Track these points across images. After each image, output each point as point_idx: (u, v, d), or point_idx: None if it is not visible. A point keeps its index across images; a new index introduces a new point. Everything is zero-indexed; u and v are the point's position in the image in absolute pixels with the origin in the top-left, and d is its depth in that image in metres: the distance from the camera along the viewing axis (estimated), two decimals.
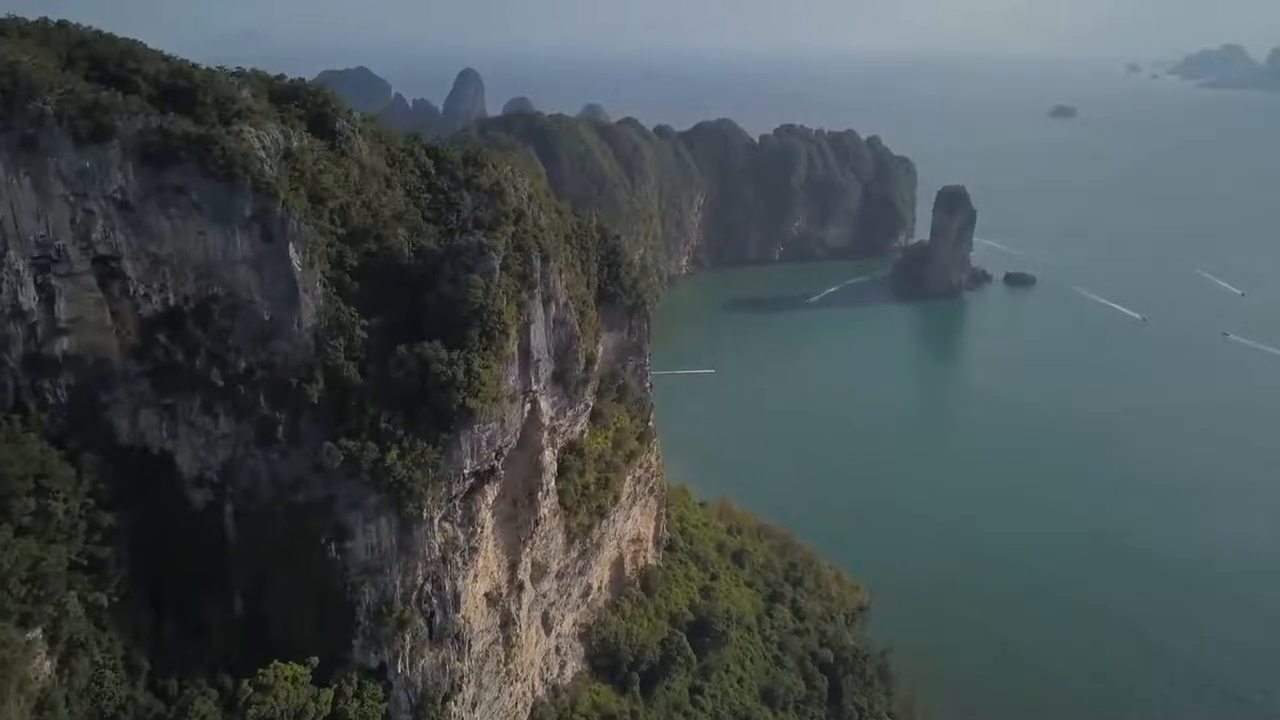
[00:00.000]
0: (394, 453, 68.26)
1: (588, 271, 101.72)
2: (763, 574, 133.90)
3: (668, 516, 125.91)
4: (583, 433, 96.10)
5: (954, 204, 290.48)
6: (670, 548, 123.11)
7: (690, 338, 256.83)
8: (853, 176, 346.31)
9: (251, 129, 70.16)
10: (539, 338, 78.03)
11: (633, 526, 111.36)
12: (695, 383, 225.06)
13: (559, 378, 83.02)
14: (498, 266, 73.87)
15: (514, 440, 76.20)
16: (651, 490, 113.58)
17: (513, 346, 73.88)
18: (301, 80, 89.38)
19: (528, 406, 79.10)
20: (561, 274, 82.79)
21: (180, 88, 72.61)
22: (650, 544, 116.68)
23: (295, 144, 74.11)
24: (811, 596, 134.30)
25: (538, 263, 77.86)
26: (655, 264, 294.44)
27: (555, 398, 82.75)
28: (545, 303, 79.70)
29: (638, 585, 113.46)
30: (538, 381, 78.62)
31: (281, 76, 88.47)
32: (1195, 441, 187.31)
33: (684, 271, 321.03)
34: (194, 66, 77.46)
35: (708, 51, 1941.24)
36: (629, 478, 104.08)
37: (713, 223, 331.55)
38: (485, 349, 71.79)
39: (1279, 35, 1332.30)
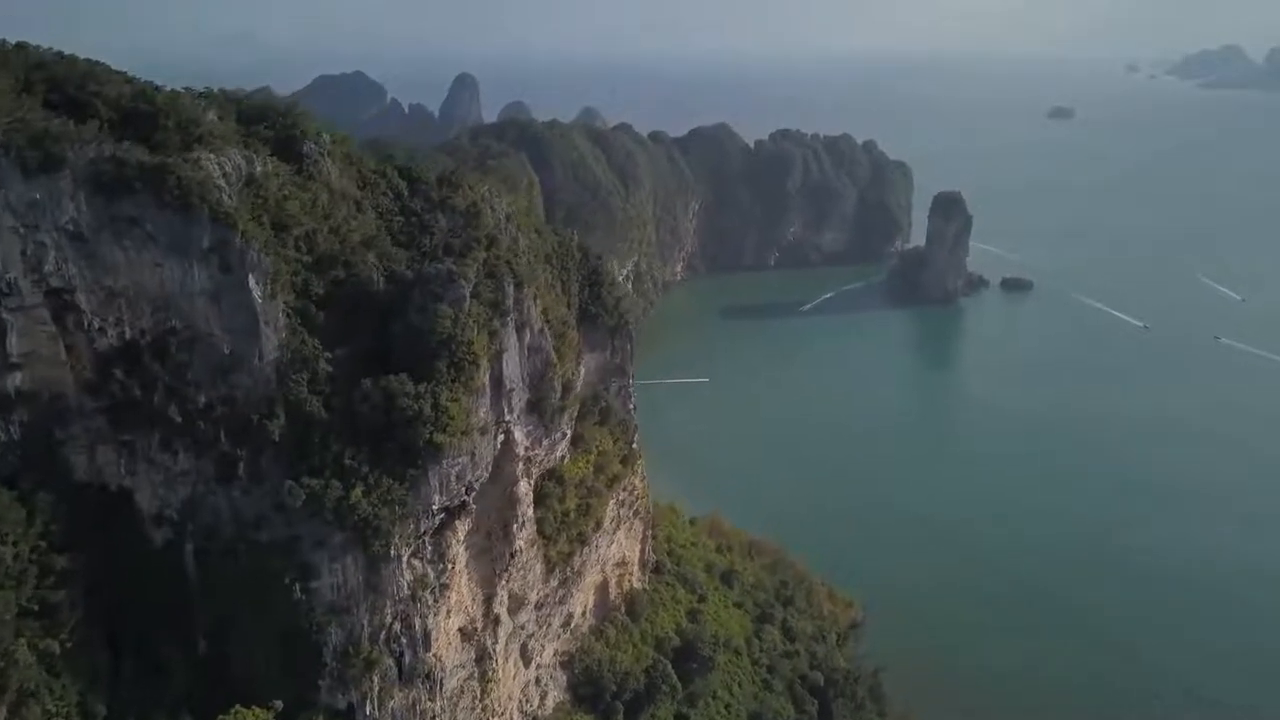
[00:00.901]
0: (359, 490, 66.05)
1: (568, 292, 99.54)
2: (752, 594, 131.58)
3: (654, 538, 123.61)
4: (563, 458, 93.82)
5: (949, 210, 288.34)
6: (657, 570, 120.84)
7: (684, 345, 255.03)
8: (848, 181, 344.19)
9: (212, 155, 67.96)
10: (512, 366, 75.80)
11: (617, 550, 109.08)
12: (689, 391, 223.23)
13: (534, 407, 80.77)
14: (468, 295, 71.63)
15: (485, 474, 73.97)
16: (636, 513, 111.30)
17: (483, 377, 71.64)
18: (271, 98, 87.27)
19: (501, 437, 76.88)
20: (537, 299, 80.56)
21: (142, 111, 70.53)
22: (636, 567, 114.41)
23: (259, 169, 71.91)
24: (802, 616, 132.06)
25: (510, 289, 75.60)
26: (649, 271, 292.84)
27: (530, 427, 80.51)
28: (519, 330, 77.45)
29: (623, 610, 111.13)
30: (511, 412, 76.40)
31: (251, 95, 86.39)
32: (1195, 449, 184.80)
33: (679, 277, 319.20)
34: (156, 89, 75.41)
35: (706, 53, 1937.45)
36: (612, 502, 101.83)
37: (708, 228, 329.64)
38: (454, 381, 69.54)
39: (1277, 35, 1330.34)
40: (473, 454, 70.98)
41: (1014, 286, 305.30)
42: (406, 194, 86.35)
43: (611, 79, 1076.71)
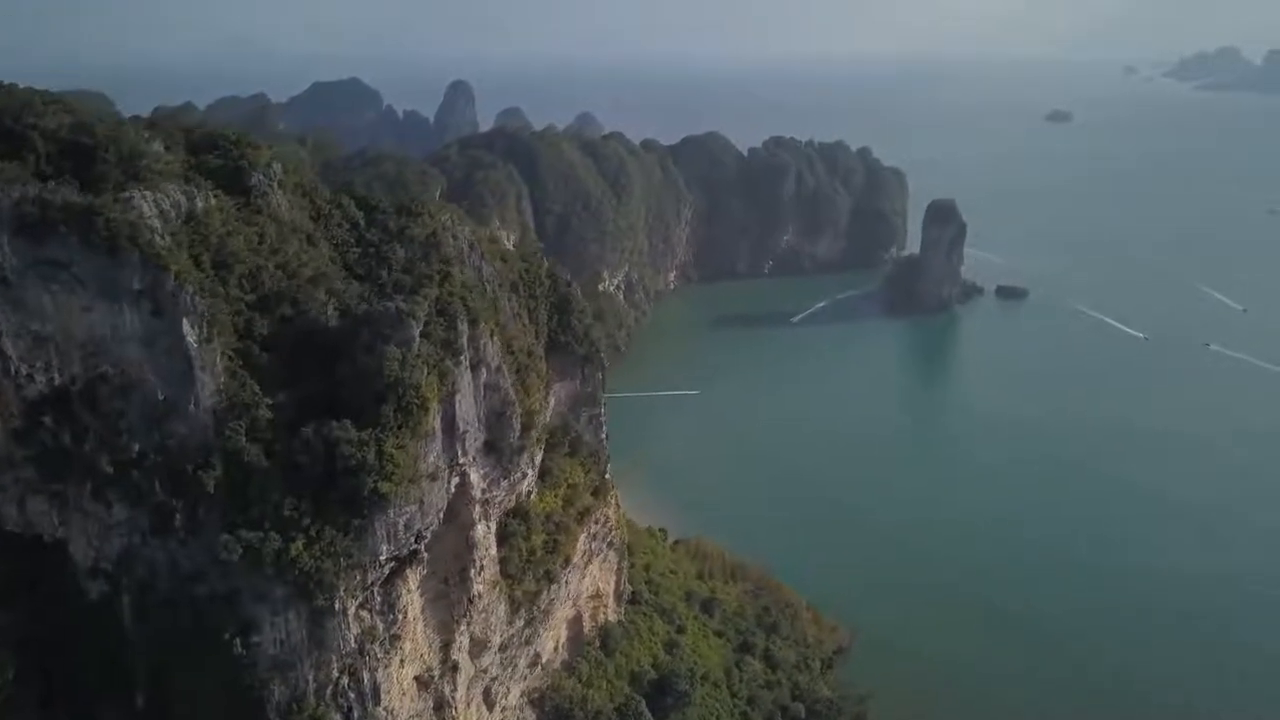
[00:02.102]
0: (300, 542, 63.16)
1: (536, 320, 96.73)
2: (734, 622, 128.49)
3: (632, 566, 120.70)
4: (529, 494, 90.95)
5: (944, 217, 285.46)
6: (634, 600, 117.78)
7: (675, 356, 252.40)
8: (843, 189, 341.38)
9: (147, 193, 65.20)
10: (466, 407, 72.90)
11: (590, 583, 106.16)
12: (679, 404, 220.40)
13: (491, 447, 77.87)
14: (417, 335, 68.77)
15: (437, 520, 71.08)
16: (610, 544, 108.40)
17: (433, 421, 68.75)
18: (222, 127, 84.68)
19: (456, 480, 74.01)
20: (494, 335, 77.65)
21: (82, 144, 67.98)
22: (611, 599, 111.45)
23: (200, 205, 69.14)
24: (786, 643, 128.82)
25: (464, 327, 72.66)
26: (641, 280, 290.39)
27: (487, 469, 77.63)
28: (474, 368, 74.58)
29: (597, 644, 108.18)
30: (465, 454, 73.51)
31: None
32: (1195, 465, 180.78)
33: (671, 286, 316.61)
34: (98, 120, 72.83)
35: (706, 57, 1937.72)
36: (583, 536, 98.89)
37: (701, 237, 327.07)
38: (401, 426, 66.65)
39: (1275, 37, 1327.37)
40: (421, 502, 68.10)
41: (1009, 294, 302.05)
42: (363, 224, 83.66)
43: (611, 84, 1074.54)
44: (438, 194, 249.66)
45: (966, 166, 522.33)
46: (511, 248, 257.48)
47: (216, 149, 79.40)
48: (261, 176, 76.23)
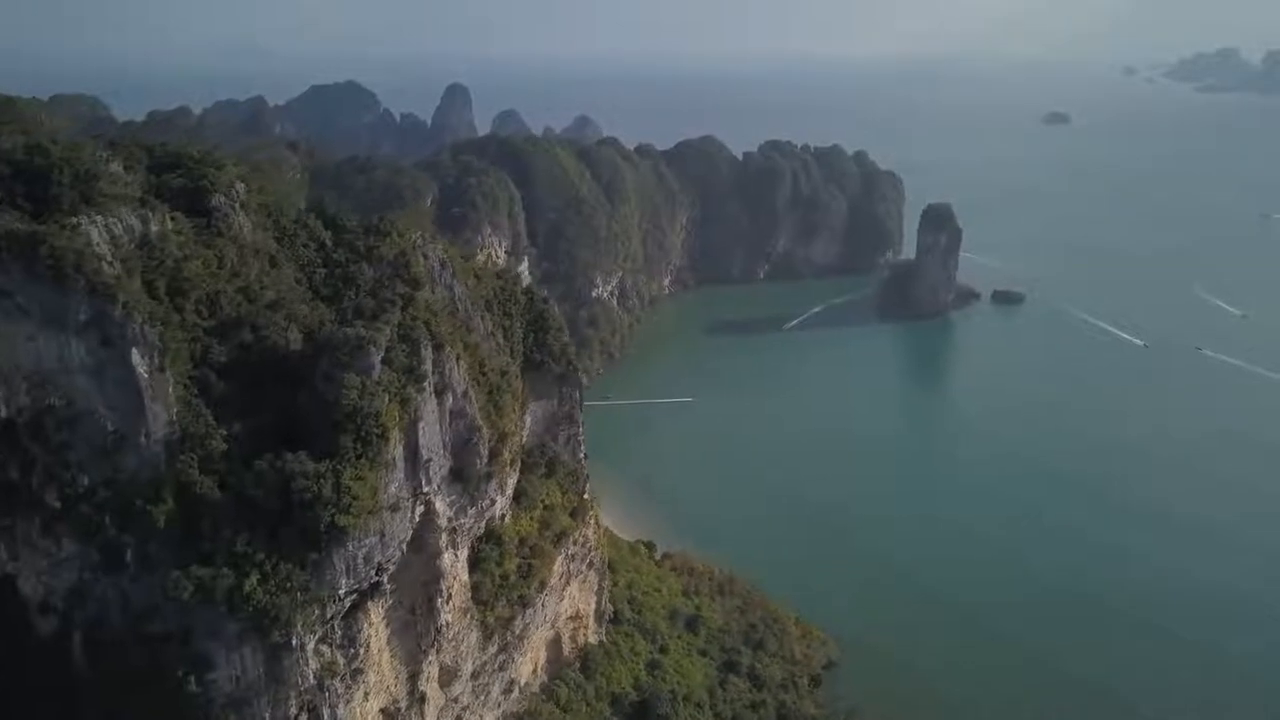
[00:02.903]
0: (254, 578, 61.42)
1: (511, 339, 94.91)
2: (719, 639, 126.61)
3: (615, 585, 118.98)
4: (503, 517, 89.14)
5: (939, 222, 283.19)
6: (615, 620, 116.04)
7: (669, 363, 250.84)
8: (838, 193, 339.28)
9: (99, 218, 63.50)
10: (430, 435, 71.08)
11: (570, 605, 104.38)
12: (673, 411, 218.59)
13: (458, 474, 76.00)
14: (377, 363, 66.98)
15: (398, 552, 69.28)
16: (591, 564, 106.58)
17: (394, 451, 66.95)
18: (185, 146, 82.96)
19: (420, 509, 72.20)
20: (460, 359, 75.82)
21: (36, 166, 66.26)
22: (591, 620, 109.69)
23: (155, 229, 67.41)
24: (772, 660, 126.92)
25: (428, 353, 70.84)
26: (635, 286, 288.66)
27: (454, 497, 75.78)
28: (439, 394, 72.74)
29: (577, 666, 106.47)
30: (429, 483, 71.69)
31: (164, 144, 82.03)
32: (1191, 478, 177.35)
33: (667, 292, 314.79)
34: (54, 141, 71.06)
35: (706, 59, 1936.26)
36: (560, 558, 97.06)
37: (696, 242, 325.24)
38: (360, 456, 64.87)
39: (1274, 38, 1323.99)
40: (382, 534, 66.32)
41: (1005, 299, 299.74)
42: (330, 244, 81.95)
43: (610, 87, 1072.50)
44: (429, 201, 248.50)
45: (964, 169, 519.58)
46: (503, 254, 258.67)
47: (179, 168, 77.82)
48: (223, 197, 74.52)
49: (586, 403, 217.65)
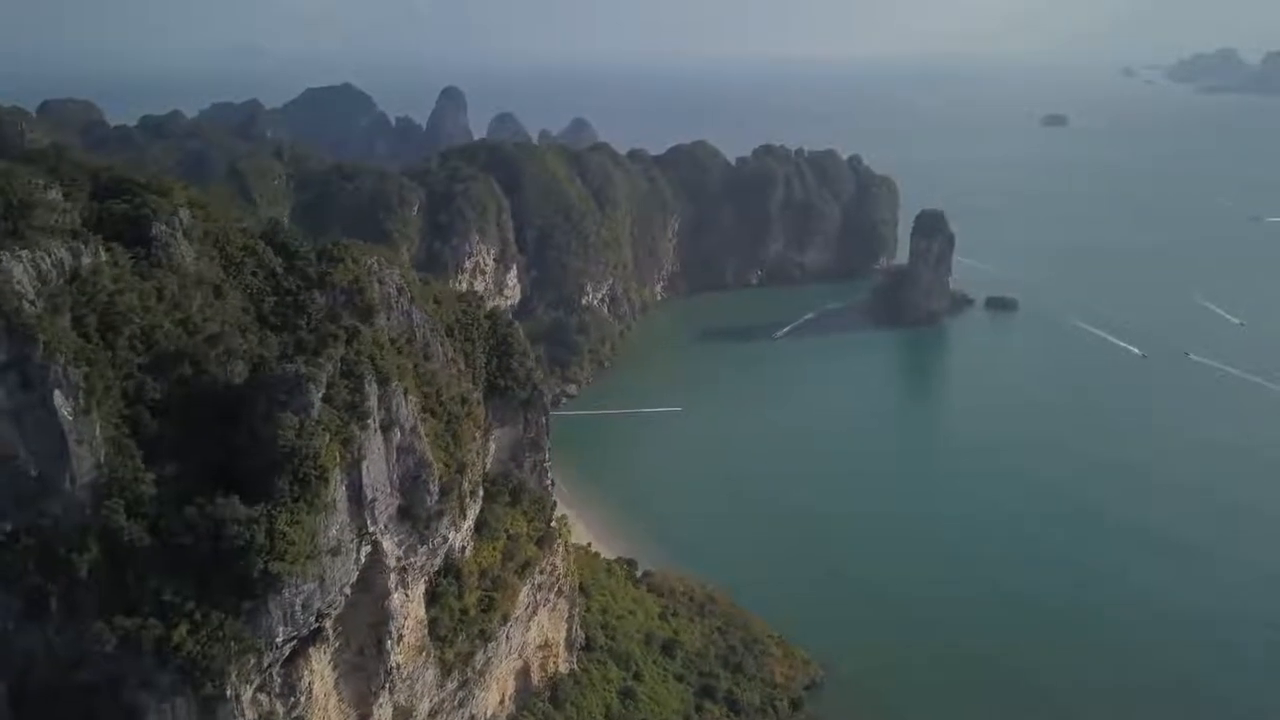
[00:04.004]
0: (183, 628, 58.96)
1: (474, 365, 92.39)
2: (696, 664, 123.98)
3: (588, 610, 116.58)
4: (464, 549, 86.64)
5: (931, 229, 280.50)
6: (587, 647, 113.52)
7: (658, 371, 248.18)
8: (832, 198, 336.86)
9: (24, 253, 60.98)
10: (376, 473, 68.56)
11: (538, 634, 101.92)
12: (660, 422, 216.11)
13: (406, 513, 73.48)
14: (317, 401, 64.46)
15: (340, 598, 66.76)
16: (560, 592, 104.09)
17: (335, 492, 64.44)
18: (133, 169, 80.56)
19: (367, 549, 69.70)
20: (409, 394, 73.30)
21: None
22: (562, 648, 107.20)
23: (87, 261, 64.99)
24: (751, 684, 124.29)
25: (372, 388, 68.31)
26: (626, 293, 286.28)
27: (403, 535, 73.28)
28: (386, 430, 70.23)
29: (546, 696, 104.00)
30: (375, 523, 69.17)
31: (109, 167, 79.52)
32: (1193, 500, 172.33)
33: (659, 298, 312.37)
34: None
35: (706, 60, 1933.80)
36: (525, 589, 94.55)
37: (689, 248, 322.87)
38: (297, 500, 62.37)
39: (1273, 38, 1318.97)
40: (322, 579, 63.77)
41: (999, 306, 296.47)
42: (280, 271, 79.45)
43: (608, 89, 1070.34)
44: (416, 208, 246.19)
45: (960, 172, 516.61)
46: (491, 262, 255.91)
47: (124, 194, 75.41)
48: (164, 226, 72.02)
49: (574, 411, 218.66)
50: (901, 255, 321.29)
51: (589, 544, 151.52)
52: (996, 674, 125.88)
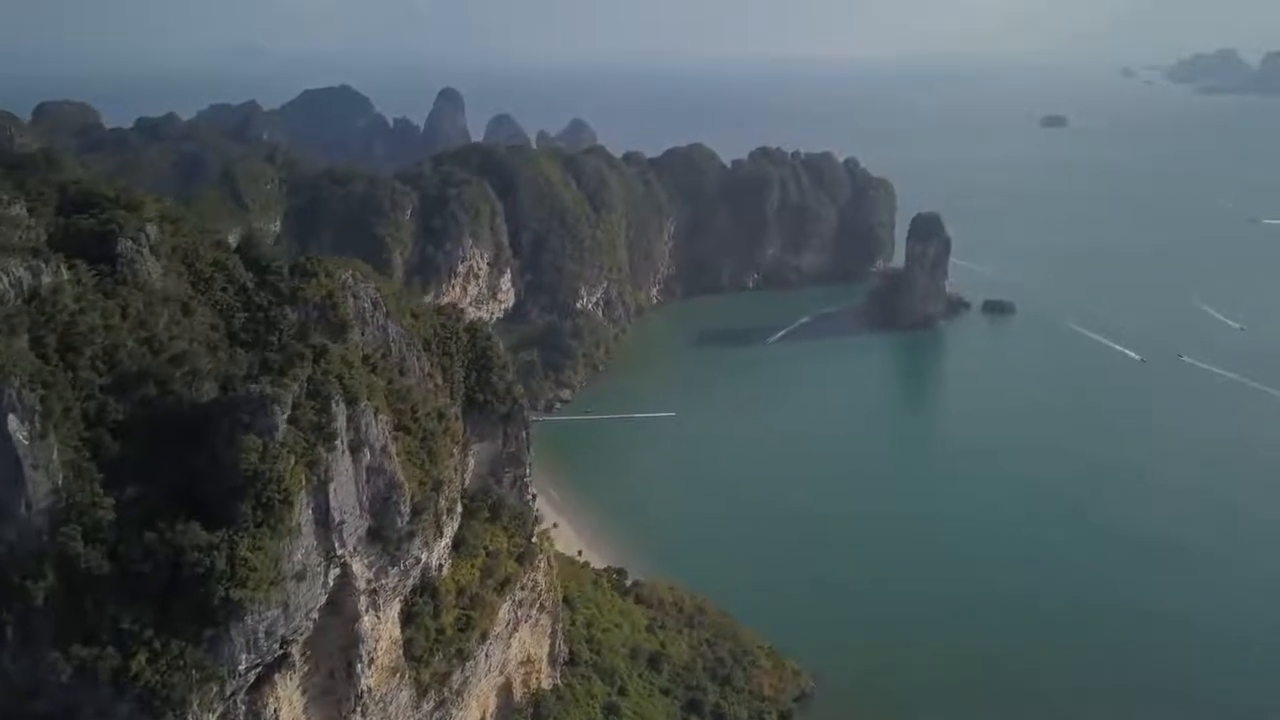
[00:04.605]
0: (142, 657, 57.63)
1: (452, 379, 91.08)
2: (683, 677, 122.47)
3: (573, 624, 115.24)
4: (440, 568, 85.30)
5: (927, 232, 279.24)
6: (571, 662, 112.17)
7: (652, 375, 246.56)
8: (828, 201, 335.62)
9: None
10: (343, 495, 67.19)
11: (520, 650, 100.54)
12: (653, 427, 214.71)
13: (376, 535, 72.14)
14: (281, 423, 63.10)
15: (307, 623, 65.44)
16: (542, 608, 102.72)
17: (300, 516, 63.08)
18: (104, 182, 79.35)
19: (336, 572, 68.38)
20: (379, 413, 71.95)
21: None
22: (544, 663, 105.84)
23: (48, 279, 63.73)
24: (739, 697, 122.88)
25: (340, 409, 66.94)
26: (620, 296, 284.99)
27: (373, 557, 71.93)
28: (355, 451, 68.86)
29: (529, 713, 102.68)
30: (344, 545, 67.83)
31: (78, 181, 78.40)
32: (1194, 506, 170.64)
33: (655, 301, 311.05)
34: None
35: (706, 61, 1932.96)
36: (505, 606, 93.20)
37: (684, 251, 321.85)
38: (260, 524, 61.02)
39: (1272, 39, 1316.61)
40: (286, 605, 62.43)
41: (996, 309, 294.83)
42: (251, 287, 78.16)
43: (607, 90, 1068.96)
44: (409, 213, 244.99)
45: (959, 172, 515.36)
46: (485, 266, 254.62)
47: (91, 209, 74.21)
48: (130, 242, 70.76)
49: (568, 417, 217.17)
50: (898, 258, 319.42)
51: (579, 551, 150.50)
52: (994, 678, 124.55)
